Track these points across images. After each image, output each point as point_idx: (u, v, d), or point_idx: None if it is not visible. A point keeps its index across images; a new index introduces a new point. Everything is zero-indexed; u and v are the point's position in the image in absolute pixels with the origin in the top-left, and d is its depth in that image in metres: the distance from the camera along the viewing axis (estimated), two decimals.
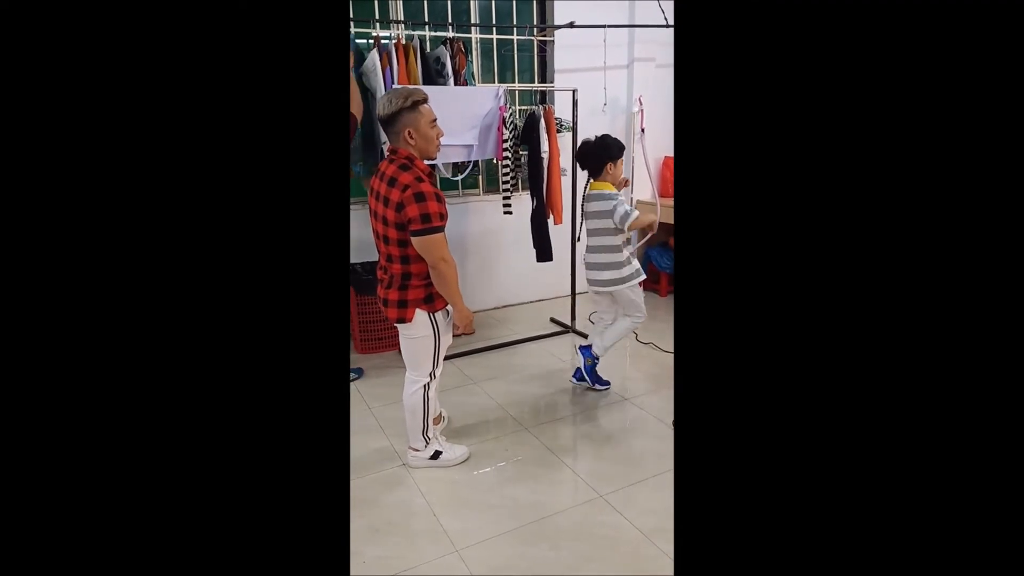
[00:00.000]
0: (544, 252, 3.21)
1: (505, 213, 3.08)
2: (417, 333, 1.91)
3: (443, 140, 1.91)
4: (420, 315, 1.88)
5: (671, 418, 2.41)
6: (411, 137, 1.79)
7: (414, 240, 1.76)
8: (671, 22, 3.69)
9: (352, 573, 1.62)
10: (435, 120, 1.83)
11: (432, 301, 1.88)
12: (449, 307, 1.94)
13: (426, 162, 1.86)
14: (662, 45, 3.94)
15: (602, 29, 3.60)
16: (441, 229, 1.76)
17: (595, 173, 2.44)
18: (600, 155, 2.40)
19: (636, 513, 1.85)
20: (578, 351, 2.66)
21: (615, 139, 2.45)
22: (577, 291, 3.49)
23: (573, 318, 3.48)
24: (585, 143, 2.47)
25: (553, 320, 3.63)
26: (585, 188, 2.51)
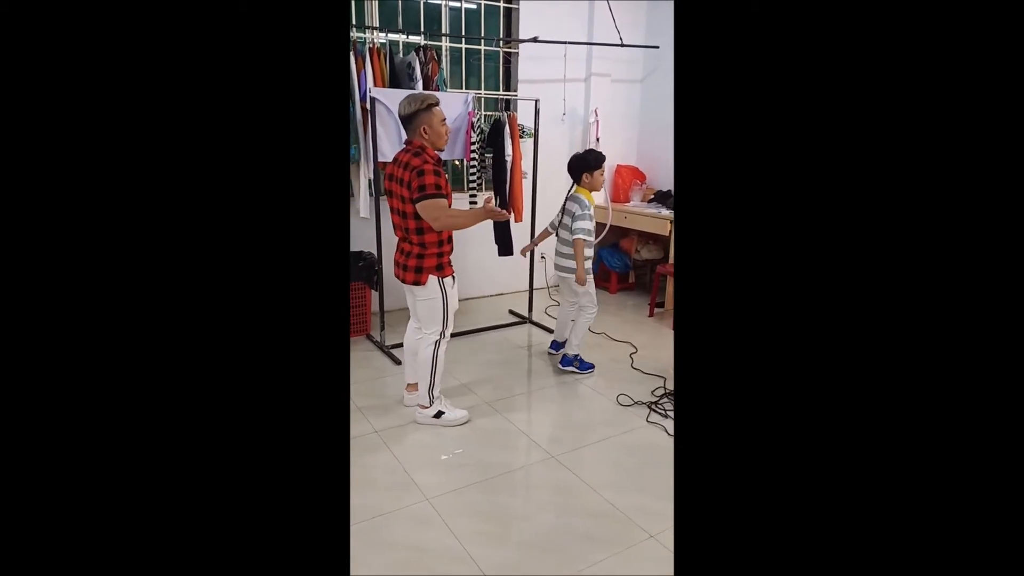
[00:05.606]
0: (506, 248, 3.48)
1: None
2: (429, 295, 2.31)
3: None
4: (431, 280, 2.27)
5: (616, 395, 2.72)
6: (425, 132, 2.22)
7: (417, 207, 2.14)
8: (625, 42, 4.05)
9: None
10: (444, 119, 2.29)
11: (442, 269, 2.29)
12: (454, 274, 2.33)
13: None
14: (616, 62, 4.28)
15: (563, 45, 3.91)
16: (436, 196, 2.13)
17: (576, 180, 2.87)
18: (579, 166, 2.84)
19: (584, 470, 2.13)
20: (560, 365, 3.01)
21: (596, 153, 2.85)
22: (535, 286, 3.77)
23: (530, 310, 3.76)
24: (573, 155, 2.90)
25: (511, 312, 3.90)
26: (570, 190, 2.91)
